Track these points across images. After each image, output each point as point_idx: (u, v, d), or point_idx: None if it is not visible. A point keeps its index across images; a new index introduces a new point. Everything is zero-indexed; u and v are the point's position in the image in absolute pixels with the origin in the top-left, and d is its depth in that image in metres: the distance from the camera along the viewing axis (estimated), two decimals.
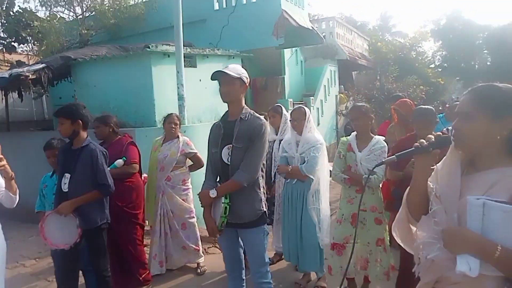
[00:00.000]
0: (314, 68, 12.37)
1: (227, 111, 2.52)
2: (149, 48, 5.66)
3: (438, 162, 1.45)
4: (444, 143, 1.38)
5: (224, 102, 2.45)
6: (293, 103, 8.96)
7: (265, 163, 2.53)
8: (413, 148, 1.41)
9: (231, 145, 2.38)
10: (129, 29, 9.92)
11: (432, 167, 1.45)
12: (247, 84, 2.45)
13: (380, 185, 3.25)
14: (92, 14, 10.23)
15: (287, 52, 10.54)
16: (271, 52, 9.60)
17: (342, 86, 14.22)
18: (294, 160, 3.43)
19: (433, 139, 1.39)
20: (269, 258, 4.01)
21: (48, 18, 9.92)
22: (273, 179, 3.94)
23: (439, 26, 22.82)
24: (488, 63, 22.37)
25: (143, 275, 3.58)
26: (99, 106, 5.67)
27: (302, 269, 3.53)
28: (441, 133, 1.41)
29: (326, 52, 13.13)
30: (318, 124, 11.40)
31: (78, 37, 9.84)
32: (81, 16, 10.42)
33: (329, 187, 3.57)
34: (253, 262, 2.49)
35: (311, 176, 3.32)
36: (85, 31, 9.66)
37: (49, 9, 10.52)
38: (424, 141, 1.40)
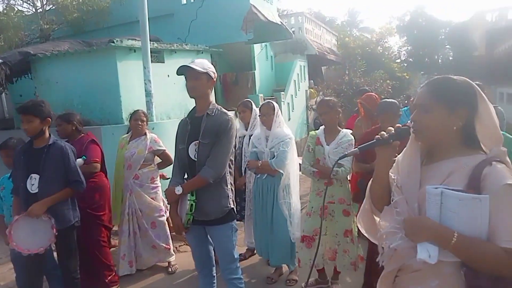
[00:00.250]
0: (284, 63, 12.43)
1: (195, 106, 2.49)
2: (113, 43, 5.49)
3: (399, 154, 1.49)
4: (404, 135, 1.41)
5: (191, 97, 2.41)
6: (263, 98, 8.98)
7: (233, 159, 2.51)
8: (374, 140, 1.44)
9: (198, 141, 2.35)
10: (93, 23, 9.57)
11: (393, 159, 1.48)
12: (214, 79, 2.42)
13: (349, 177, 3.31)
14: (53, 7, 9.80)
15: (257, 47, 10.53)
16: (241, 47, 9.56)
17: (312, 81, 14.39)
18: (264, 155, 3.44)
19: (393, 131, 1.42)
20: (241, 254, 4.06)
21: (5, 11, 9.41)
22: (243, 174, 3.94)
23: (404, 22, 23.51)
24: (450, 58, 23.29)
25: (109, 277, 3.48)
26: (62, 104, 5.46)
27: (274, 263, 3.55)
28: (400, 125, 1.44)
29: (296, 47, 13.23)
30: (289, 119, 11.49)
31: (39, 31, 9.40)
32: (41, 10, 9.95)
33: (299, 181, 3.61)
34: (222, 258, 2.48)
35: (281, 171, 3.35)
36: (47, 26, 9.24)
37: (5, 1, 9.99)
38: (384, 133, 1.43)
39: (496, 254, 1.18)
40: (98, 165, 3.36)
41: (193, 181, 2.34)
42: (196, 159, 2.36)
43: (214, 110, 2.39)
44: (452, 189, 1.26)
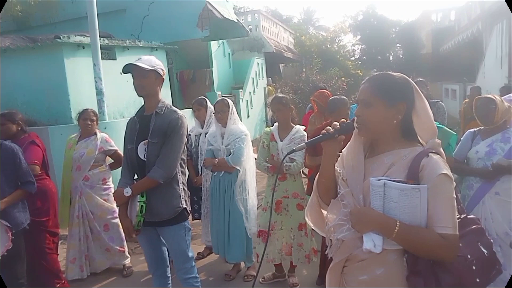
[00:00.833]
0: (242, 61, 12.44)
1: (143, 105, 2.42)
2: (60, 39, 5.21)
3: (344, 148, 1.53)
4: (348, 129, 1.45)
5: (139, 96, 2.34)
6: (221, 96, 8.93)
7: (185, 158, 2.47)
8: (320, 135, 1.47)
9: (147, 141, 2.29)
10: (39, 18, 9.02)
11: (339, 153, 1.52)
12: (163, 76, 2.36)
13: (306, 171, 3.35)
14: None
15: (214, 45, 10.43)
16: (197, 44, 9.43)
17: (270, 78, 14.52)
18: (220, 152, 3.43)
19: (338, 126, 1.45)
20: (200, 252, 4.03)
21: None
22: (200, 173, 3.90)
23: (357, 22, 24.32)
24: (401, 56, 24.40)
25: (58, 285, 3.31)
26: (4, 103, 5.11)
27: (231, 260, 3.55)
28: (345, 120, 1.48)
29: (253, 44, 13.29)
30: (248, 116, 11.52)
31: None
32: None
33: (255, 177, 3.63)
34: (176, 259, 2.45)
35: (238, 167, 3.35)
36: None
37: None
38: (330, 128, 1.46)
39: (434, 240, 1.25)
40: (37, 168, 3.15)
41: (143, 182, 2.28)
42: (145, 159, 2.30)
43: (163, 108, 2.33)
44: (394, 180, 1.32)
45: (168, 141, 2.28)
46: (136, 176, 2.40)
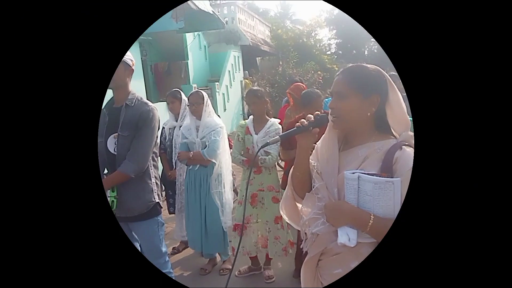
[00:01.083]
0: (218, 53, 12.32)
1: (112, 97, 2.33)
2: None
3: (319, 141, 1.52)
4: (323, 122, 1.43)
5: (108, 88, 2.25)
6: (197, 89, 8.81)
7: (157, 151, 2.41)
8: (294, 128, 1.44)
9: (117, 134, 2.21)
10: None
11: (313, 145, 1.51)
12: (133, 67, 2.28)
13: (282, 164, 3.34)
14: None
15: (189, 37, 10.27)
16: (172, 36, 9.24)
17: (247, 71, 14.46)
18: (195, 145, 3.37)
19: (312, 119, 1.43)
20: (175, 247, 3.98)
21: None
22: (174, 166, 3.83)
23: (332, 16, 24.56)
24: (375, 51, 24.83)
25: None
26: None
27: (207, 253, 3.53)
28: (319, 113, 1.46)
29: (229, 37, 13.16)
30: (225, 109, 11.45)
31: None
32: None
33: (231, 170, 3.60)
34: (149, 254, 2.39)
35: (214, 160, 3.31)
36: None
37: None
38: (304, 120, 1.44)
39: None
40: None
41: (113, 177, 2.20)
42: (116, 153, 2.22)
43: (134, 100, 2.25)
44: (368, 174, 1.31)
45: (139, 134, 2.21)
46: (106, 171, 2.32)
